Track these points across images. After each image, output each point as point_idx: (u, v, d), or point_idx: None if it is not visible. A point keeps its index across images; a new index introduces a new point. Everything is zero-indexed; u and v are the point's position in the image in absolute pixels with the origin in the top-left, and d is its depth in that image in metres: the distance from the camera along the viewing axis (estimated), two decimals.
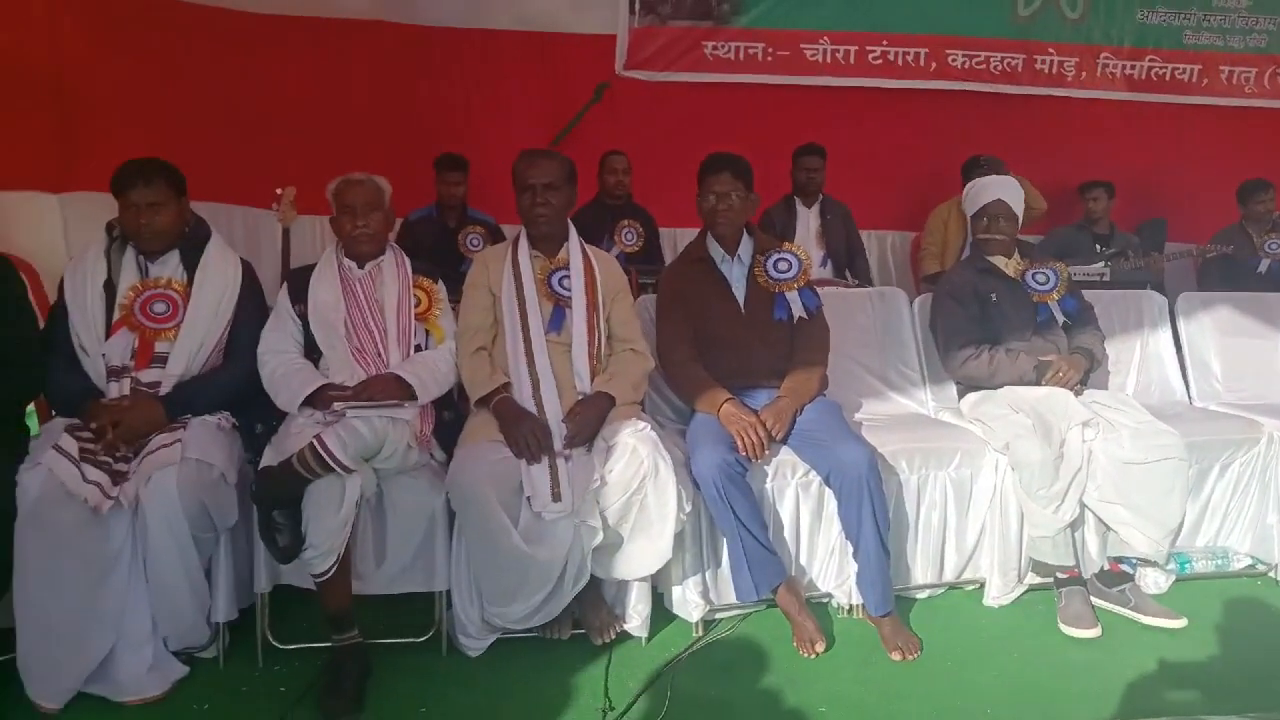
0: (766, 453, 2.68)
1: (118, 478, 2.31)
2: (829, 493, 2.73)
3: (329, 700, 2.31)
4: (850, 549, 2.70)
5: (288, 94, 5.22)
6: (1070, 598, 2.79)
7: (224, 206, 4.76)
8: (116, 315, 2.55)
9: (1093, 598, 2.83)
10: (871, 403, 3.26)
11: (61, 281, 2.62)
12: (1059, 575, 2.84)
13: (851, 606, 2.81)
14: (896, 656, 2.58)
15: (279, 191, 4.15)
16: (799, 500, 2.78)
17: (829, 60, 5.48)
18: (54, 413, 2.56)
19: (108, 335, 2.54)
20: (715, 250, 2.97)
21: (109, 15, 4.95)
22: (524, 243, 2.84)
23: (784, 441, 2.77)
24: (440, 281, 2.88)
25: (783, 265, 2.95)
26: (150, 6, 4.97)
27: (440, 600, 2.63)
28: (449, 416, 2.85)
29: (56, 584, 2.24)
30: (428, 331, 2.80)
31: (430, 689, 2.44)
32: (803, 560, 2.83)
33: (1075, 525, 2.81)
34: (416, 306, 2.79)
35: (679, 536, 2.58)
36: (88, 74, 5.03)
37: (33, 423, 2.81)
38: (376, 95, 5.29)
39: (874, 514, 2.62)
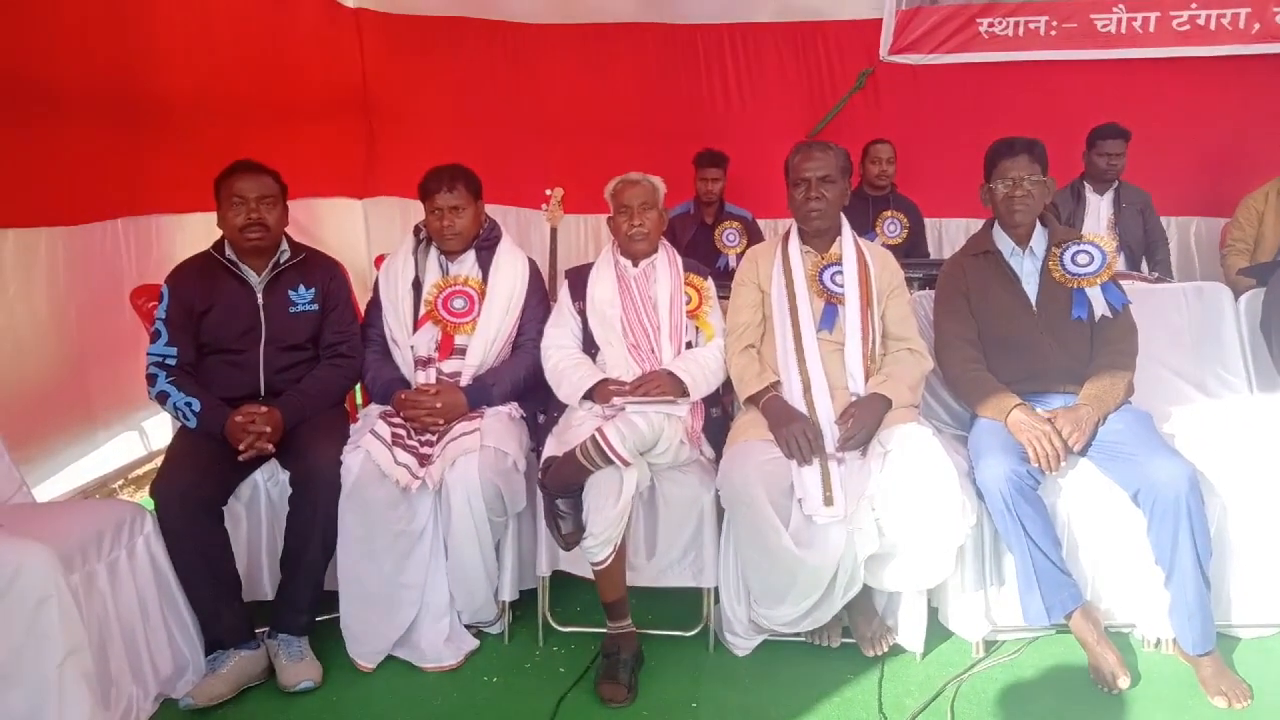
0: (1062, 464, 2.44)
1: (424, 461, 2.51)
2: (1135, 512, 2.44)
3: (606, 686, 2.38)
4: (1162, 576, 2.41)
5: (555, 99, 5.51)
6: None
7: (498, 208, 5.11)
8: (422, 311, 2.79)
9: None
10: (1185, 412, 2.87)
11: (376, 281, 2.90)
12: None
13: (1160, 640, 2.51)
14: (1220, 703, 2.27)
15: (548, 193, 4.39)
16: (1099, 519, 2.51)
17: (1124, 30, 4.93)
18: (370, 400, 2.83)
19: (415, 329, 2.79)
20: (1003, 242, 2.75)
21: (405, 35, 5.47)
22: (795, 238, 2.78)
23: (1082, 453, 2.52)
24: (709, 279, 2.89)
25: (1083, 258, 2.67)
26: (439, 24, 5.43)
27: (708, 596, 2.64)
28: (716, 413, 2.86)
29: (371, 555, 2.48)
30: (698, 328, 2.82)
31: (700, 684, 2.45)
32: (1100, 585, 2.56)
33: None
34: (687, 304, 2.81)
35: (959, 550, 2.43)
36: (386, 90, 5.60)
37: None
38: (638, 95, 5.45)
39: (1193, 539, 2.32)
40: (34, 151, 3.17)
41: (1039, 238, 2.73)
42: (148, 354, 2.60)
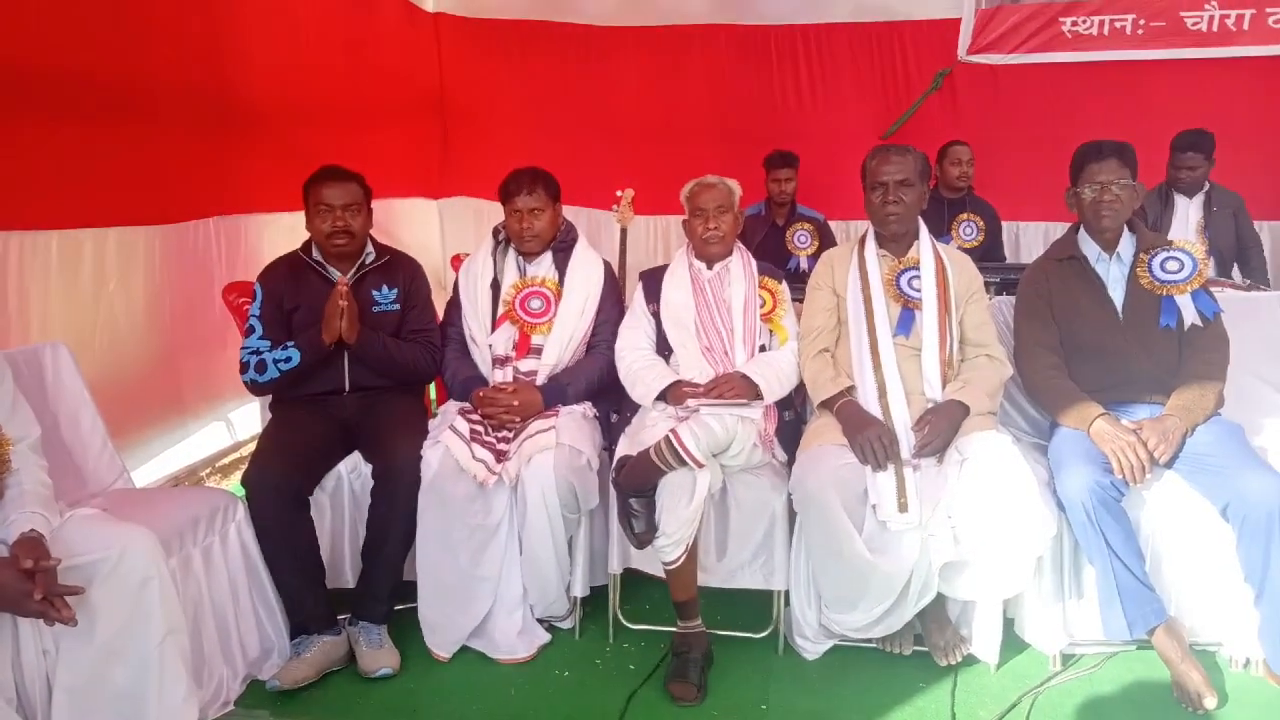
0: (1148, 476, 2.38)
1: (500, 457, 2.57)
2: (1223, 526, 2.37)
3: (676, 684, 2.40)
4: (1251, 594, 2.33)
5: (627, 100, 5.55)
6: None
7: (569, 208, 5.16)
8: (500, 310, 2.85)
9: None
10: (1278, 425, 2.78)
11: (456, 281, 2.96)
12: None
13: (1249, 660, 2.43)
14: None
15: (619, 194, 4.41)
16: (1185, 532, 2.44)
17: (1216, 29, 4.77)
18: (448, 396, 2.90)
19: (493, 328, 2.85)
20: (1089, 247, 2.69)
21: (481, 38, 5.56)
22: (871, 242, 2.76)
23: (1169, 465, 2.45)
24: (784, 282, 2.89)
25: (1172, 265, 2.60)
26: (514, 27, 5.51)
27: (778, 599, 2.64)
28: (788, 417, 2.85)
29: (449, 547, 2.55)
30: (771, 332, 2.82)
31: (770, 687, 2.46)
32: (1185, 601, 2.48)
33: None
34: (761, 307, 2.81)
35: (1038, 560, 2.39)
36: (462, 92, 5.70)
37: None
38: (710, 96, 5.46)
39: None
40: (134, 154, 3.31)
41: (1126, 243, 2.66)
42: (243, 347, 2.71)
